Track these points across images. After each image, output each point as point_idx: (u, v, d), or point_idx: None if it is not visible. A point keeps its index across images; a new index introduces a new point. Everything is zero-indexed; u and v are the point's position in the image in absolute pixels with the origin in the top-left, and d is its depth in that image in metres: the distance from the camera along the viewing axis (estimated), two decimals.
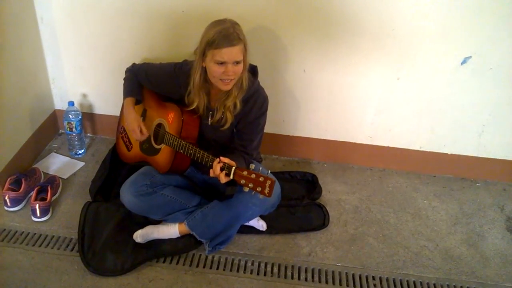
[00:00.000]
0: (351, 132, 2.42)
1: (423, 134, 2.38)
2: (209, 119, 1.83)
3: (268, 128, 1.95)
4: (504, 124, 2.30)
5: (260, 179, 1.54)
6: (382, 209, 2.23)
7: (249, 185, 1.55)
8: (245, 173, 1.56)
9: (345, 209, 2.22)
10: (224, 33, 1.58)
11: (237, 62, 1.62)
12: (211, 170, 1.64)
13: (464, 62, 2.12)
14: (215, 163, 1.62)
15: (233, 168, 1.58)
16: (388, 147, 2.45)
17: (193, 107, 1.78)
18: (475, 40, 2.07)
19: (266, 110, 1.84)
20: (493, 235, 2.13)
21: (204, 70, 1.70)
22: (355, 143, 2.45)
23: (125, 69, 2.00)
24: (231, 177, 1.59)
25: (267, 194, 1.54)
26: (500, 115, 2.27)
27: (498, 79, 2.15)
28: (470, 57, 2.11)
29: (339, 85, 2.26)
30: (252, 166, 1.57)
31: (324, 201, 2.23)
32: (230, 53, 1.59)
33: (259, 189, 1.54)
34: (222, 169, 1.60)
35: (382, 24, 2.06)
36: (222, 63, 1.60)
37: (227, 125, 1.79)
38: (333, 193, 2.31)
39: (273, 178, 1.53)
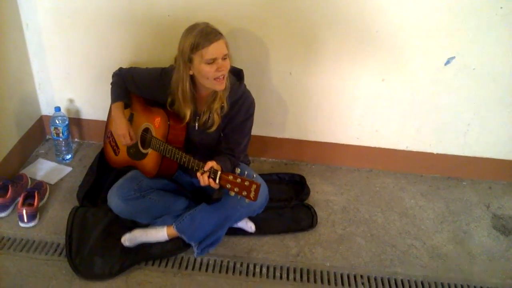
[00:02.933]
0: (338, 133, 2.44)
1: (409, 134, 2.40)
2: (196, 122, 1.83)
3: (255, 131, 1.96)
4: (489, 123, 2.33)
5: (245, 183, 1.54)
6: (369, 209, 2.25)
7: (235, 190, 1.56)
8: (230, 177, 1.57)
9: (333, 209, 2.23)
10: (204, 32, 1.61)
11: (225, 56, 1.65)
12: (200, 179, 1.64)
13: (447, 62, 2.15)
14: (199, 173, 1.64)
15: (219, 173, 1.59)
16: (375, 148, 2.46)
17: (187, 120, 1.79)
18: (458, 41, 2.10)
19: (253, 113, 1.86)
20: (480, 232, 2.16)
21: (192, 79, 1.72)
22: (342, 144, 2.46)
23: (112, 73, 1.99)
24: (217, 181, 1.60)
25: (252, 198, 1.55)
26: (484, 114, 2.30)
27: (482, 78, 2.18)
28: (454, 57, 2.13)
29: (325, 87, 2.28)
30: (238, 170, 1.58)
31: (312, 202, 2.24)
32: (218, 47, 1.62)
33: (244, 193, 1.55)
34: (208, 176, 1.61)
35: (366, 26, 2.08)
36: (213, 61, 1.62)
37: (214, 127, 1.80)
38: (321, 194, 2.33)
39: (259, 182, 1.54)
